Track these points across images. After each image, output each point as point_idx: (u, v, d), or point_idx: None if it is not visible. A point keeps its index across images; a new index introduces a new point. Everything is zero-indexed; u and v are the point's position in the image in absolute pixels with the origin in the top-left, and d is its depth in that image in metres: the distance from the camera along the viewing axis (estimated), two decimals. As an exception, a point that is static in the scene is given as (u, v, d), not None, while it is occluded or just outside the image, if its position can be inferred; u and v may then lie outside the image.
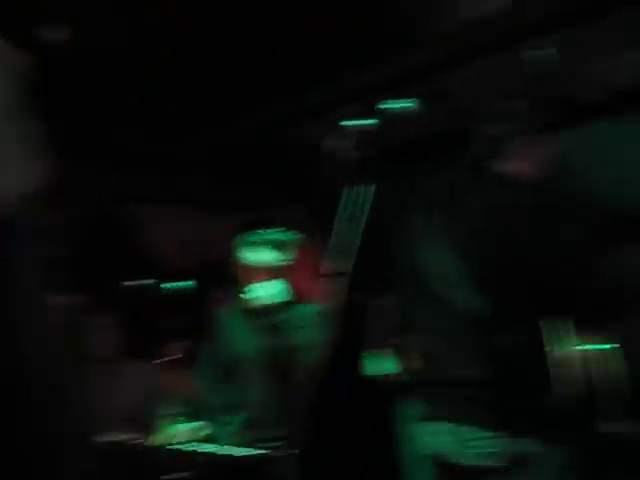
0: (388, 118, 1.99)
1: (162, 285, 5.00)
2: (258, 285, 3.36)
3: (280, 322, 3.37)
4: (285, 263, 3.39)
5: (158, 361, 3.97)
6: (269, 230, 3.40)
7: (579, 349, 2.15)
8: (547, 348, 2.11)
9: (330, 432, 3.88)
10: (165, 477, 2.75)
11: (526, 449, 2.06)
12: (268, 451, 2.93)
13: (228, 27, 3.89)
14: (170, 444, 3.10)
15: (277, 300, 3.41)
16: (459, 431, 2.14)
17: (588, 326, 2.16)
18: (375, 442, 3.89)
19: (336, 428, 4.05)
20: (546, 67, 3.51)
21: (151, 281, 4.93)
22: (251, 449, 2.97)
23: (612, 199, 4.11)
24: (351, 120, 1.90)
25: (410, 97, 2.04)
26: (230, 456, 2.88)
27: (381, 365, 4.25)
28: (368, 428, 4.03)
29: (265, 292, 3.38)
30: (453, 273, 2.15)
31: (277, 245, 3.38)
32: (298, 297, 3.51)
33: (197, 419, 3.29)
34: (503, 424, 2.07)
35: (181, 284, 5.01)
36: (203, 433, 3.23)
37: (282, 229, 3.43)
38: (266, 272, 3.35)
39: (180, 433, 3.18)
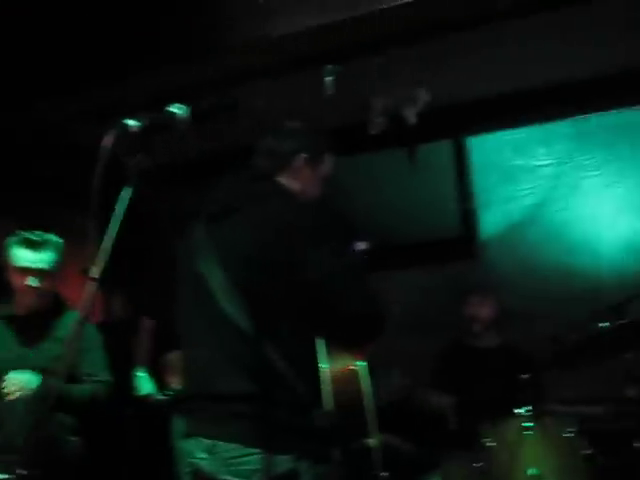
0: (171, 125, 1.93)
1: None
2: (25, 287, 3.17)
3: (47, 331, 3.21)
4: (53, 266, 3.22)
5: None
6: (39, 232, 3.24)
7: (340, 367, 2.21)
8: (311, 365, 2.15)
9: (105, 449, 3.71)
10: None
11: (288, 466, 2.06)
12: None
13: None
14: None
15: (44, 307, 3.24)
16: (218, 448, 2.11)
17: (348, 345, 2.22)
18: (151, 458, 3.80)
19: (111, 446, 3.91)
20: (334, 92, 3.65)
21: None
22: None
23: (378, 227, 4.40)
24: (131, 122, 1.81)
25: (199, 107, 2.00)
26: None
27: (146, 382, 4.17)
28: (142, 444, 3.92)
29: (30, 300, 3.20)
30: (225, 287, 2.14)
31: (46, 247, 3.22)
32: (66, 303, 3.35)
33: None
34: (265, 441, 2.06)
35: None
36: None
37: (51, 231, 3.28)
38: (34, 274, 3.17)
39: None
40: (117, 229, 1.77)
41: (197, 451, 2.15)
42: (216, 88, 3.81)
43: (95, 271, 1.76)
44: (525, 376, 3.15)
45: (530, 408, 2.97)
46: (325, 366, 2.14)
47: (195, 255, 2.23)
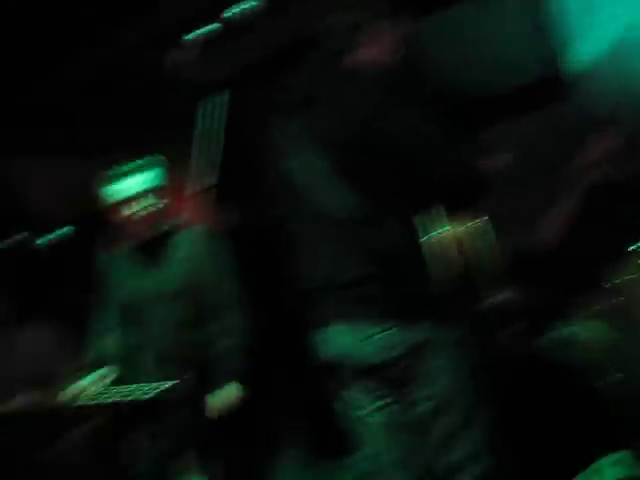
0: (233, 28, 1.91)
1: (41, 239, 4.81)
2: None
3: (171, 252, 3.31)
4: (156, 187, 3.27)
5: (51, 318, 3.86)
6: (130, 162, 3.29)
7: (452, 232, 2.22)
8: (422, 236, 2.17)
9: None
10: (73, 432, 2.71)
11: (423, 335, 2.12)
12: (175, 387, 2.92)
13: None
14: (79, 398, 3.04)
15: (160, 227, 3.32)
16: (355, 330, 2.19)
17: (456, 209, 2.23)
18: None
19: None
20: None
21: (28, 236, 4.73)
22: (160, 386, 2.94)
23: (462, 83, 4.24)
24: (192, 35, 1.81)
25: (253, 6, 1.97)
26: (138, 397, 2.87)
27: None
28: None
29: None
30: (322, 176, 2.15)
31: (142, 171, 3.26)
32: (178, 223, 3.42)
33: (102, 367, 3.23)
34: (395, 316, 2.12)
35: (61, 236, 4.83)
36: (110, 379, 3.19)
37: (143, 157, 3.32)
38: (139, 201, 3.23)
39: (88, 385, 3.13)
40: (222, 140, 1.78)
41: (334, 336, 2.25)
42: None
43: (208, 182, 1.79)
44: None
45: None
46: (445, 228, 2.16)
47: (284, 152, 2.24)
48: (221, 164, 1.75)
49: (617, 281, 2.92)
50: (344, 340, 2.23)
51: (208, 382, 3.19)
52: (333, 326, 2.26)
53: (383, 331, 2.14)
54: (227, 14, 1.95)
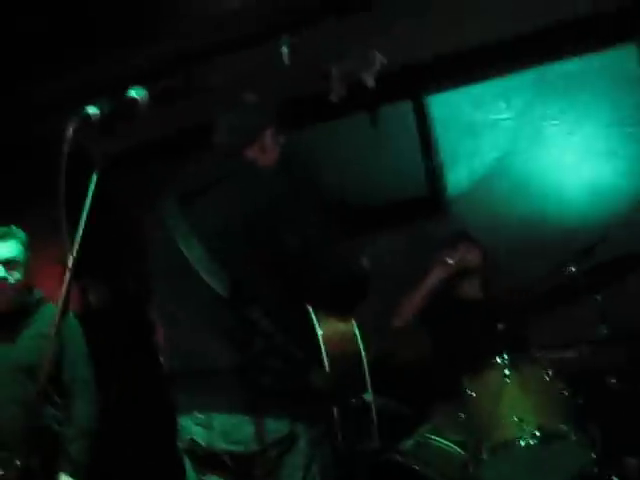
0: (131, 109, 1.93)
1: None
2: None
3: (27, 326, 3.19)
4: (20, 256, 3.19)
5: None
6: (8, 226, 3.21)
7: (329, 331, 2.25)
8: (306, 329, 2.20)
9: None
10: None
11: (284, 430, 2.10)
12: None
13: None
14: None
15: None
16: (213, 420, 2.15)
17: (334, 309, 2.28)
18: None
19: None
20: (286, 64, 3.65)
21: None
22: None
23: (344, 192, 4.44)
24: (92, 110, 1.81)
25: (156, 88, 2.01)
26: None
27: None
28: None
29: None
30: (207, 262, 2.16)
31: (8, 237, 3.18)
32: (44, 297, 3.33)
33: None
34: (258, 408, 2.10)
35: None
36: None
37: (19, 225, 3.24)
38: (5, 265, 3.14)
39: None
40: (88, 216, 1.79)
41: (192, 426, 2.20)
42: (171, 68, 3.79)
43: (70, 260, 1.78)
44: (501, 325, 3.22)
45: (508, 356, 3.04)
46: (320, 330, 2.19)
47: (169, 234, 2.24)
48: (87, 241, 1.73)
49: (472, 393, 3.04)
50: (197, 429, 2.18)
51: (50, 469, 3.02)
52: (193, 412, 2.20)
53: (242, 423, 2.11)
54: (128, 94, 1.95)
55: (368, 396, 2.25)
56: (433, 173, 4.71)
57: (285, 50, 3.56)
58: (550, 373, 3.02)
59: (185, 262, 2.19)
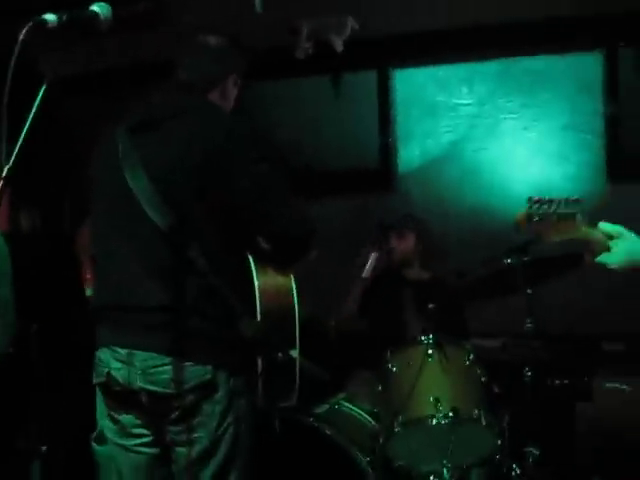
0: (92, 24, 1.84)
1: None
2: None
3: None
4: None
5: None
6: None
7: (265, 282, 2.22)
8: (242, 277, 2.16)
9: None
10: None
11: (206, 377, 2.06)
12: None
13: None
14: None
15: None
16: (134, 358, 2.10)
17: (279, 263, 2.24)
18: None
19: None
20: (258, 11, 3.57)
21: None
22: None
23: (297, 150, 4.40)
24: (49, 17, 1.71)
25: (122, 8, 1.92)
26: None
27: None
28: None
29: None
30: (150, 195, 2.08)
31: None
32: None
33: None
34: (182, 351, 2.06)
35: None
36: None
37: None
38: None
39: None
40: (31, 130, 1.69)
41: (111, 360, 2.14)
42: None
43: (4, 171, 1.68)
44: (431, 305, 3.25)
45: (433, 336, 3.08)
46: (256, 280, 2.16)
47: (118, 162, 2.15)
48: (27, 157, 1.64)
49: (393, 367, 3.07)
50: (117, 365, 2.12)
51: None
52: (109, 348, 2.14)
53: (163, 365, 2.08)
54: (91, 8, 1.85)
55: (294, 353, 2.22)
56: (387, 147, 4.71)
57: (258, -2, 3.48)
58: (472, 358, 3.07)
59: (128, 193, 2.12)
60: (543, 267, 3.31)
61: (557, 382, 3.98)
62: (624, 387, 3.67)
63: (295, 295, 2.24)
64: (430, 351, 3.03)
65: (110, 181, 2.21)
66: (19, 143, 1.70)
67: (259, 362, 2.14)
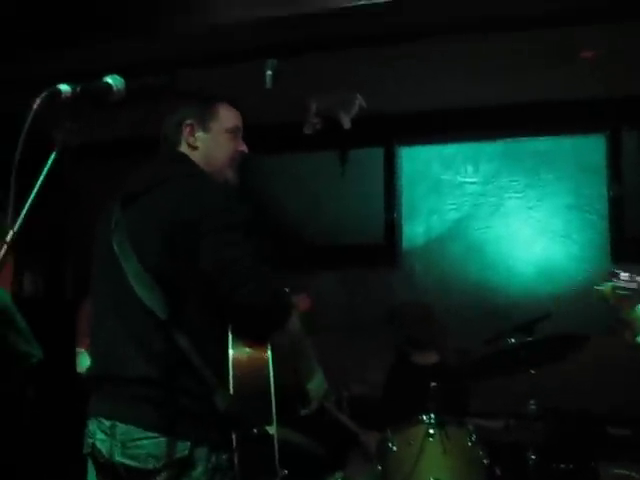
0: (104, 96, 1.88)
1: None
2: None
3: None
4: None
5: None
6: None
7: (245, 354, 2.17)
8: (218, 350, 2.12)
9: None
10: None
11: (184, 452, 1.99)
12: None
13: None
14: None
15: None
16: (116, 430, 2.06)
17: (248, 335, 2.16)
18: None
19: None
20: (272, 88, 3.63)
21: None
22: None
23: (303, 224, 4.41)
24: (63, 87, 1.74)
25: (135, 81, 1.97)
26: None
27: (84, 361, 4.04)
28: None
29: None
30: (137, 270, 2.07)
31: None
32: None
33: None
34: (163, 425, 2.01)
35: None
36: None
37: None
38: None
39: None
40: (37, 197, 1.70)
41: (97, 432, 2.11)
42: (154, 70, 3.75)
43: (9, 236, 1.69)
44: (433, 384, 3.21)
45: (435, 416, 3.03)
46: (232, 351, 2.11)
47: (111, 236, 2.16)
48: (34, 222, 1.66)
49: (393, 447, 3.01)
50: (101, 436, 2.07)
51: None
52: (96, 418, 2.10)
53: (143, 438, 2.00)
54: (105, 80, 1.89)
55: (272, 429, 2.14)
56: (392, 223, 4.74)
57: (269, 73, 3.55)
58: (474, 439, 3.01)
59: (117, 266, 2.11)
60: (547, 348, 3.27)
61: (562, 466, 3.88)
62: (633, 474, 3.56)
63: (271, 367, 2.17)
64: (431, 431, 2.98)
65: (104, 254, 2.21)
66: (26, 209, 1.71)
67: (234, 437, 2.07)
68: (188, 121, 2.28)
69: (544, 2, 3.26)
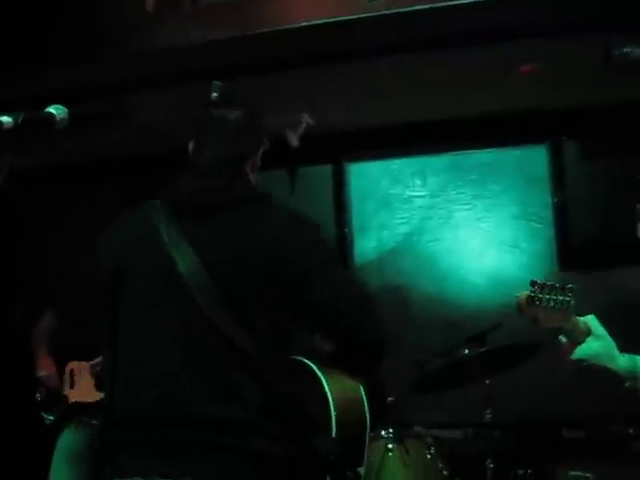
0: (47, 125, 1.85)
1: None
2: None
3: None
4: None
5: None
6: None
7: (342, 391, 2.04)
8: (301, 388, 1.97)
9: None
10: None
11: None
12: None
13: None
14: None
15: None
16: None
17: (361, 371, 1.95)
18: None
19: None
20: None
21: None
22: None
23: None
24: (4, 118, 1.71)
25: (78, 109, 1.94)
26: None
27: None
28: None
29: None
30: (215, 295, 1.79)
31: None
32: None
33: None
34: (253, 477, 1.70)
35: None
36: None
37: None
38: None
39: None
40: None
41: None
42: (99, 96, 3.72)
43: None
44: (390, 399, 3.23)
45: (392, 430, 3.04)
46: (326, 387, 1.95)
47: (168, 253, 1.85)
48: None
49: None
50: None
51: None
52: (153, 477, 1.68)
53: None
54: (47, 110, 1.87)
55: (362, 470, 2.04)
56: (344, 239, 4.76)
57: (214, 95, 3.55)
58: (432, 451, 3.04)
59: (174, 289, 1.81)
60: (500, 357, 3.32)
61: (521, 472, 3.93)
62: (587, 475, 3.63)
63: (366, 405, 2.04)
64: (390, 445, 2.99)
65: (148, 271, 1.89)
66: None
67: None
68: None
69: (484, 18, 3.35)
